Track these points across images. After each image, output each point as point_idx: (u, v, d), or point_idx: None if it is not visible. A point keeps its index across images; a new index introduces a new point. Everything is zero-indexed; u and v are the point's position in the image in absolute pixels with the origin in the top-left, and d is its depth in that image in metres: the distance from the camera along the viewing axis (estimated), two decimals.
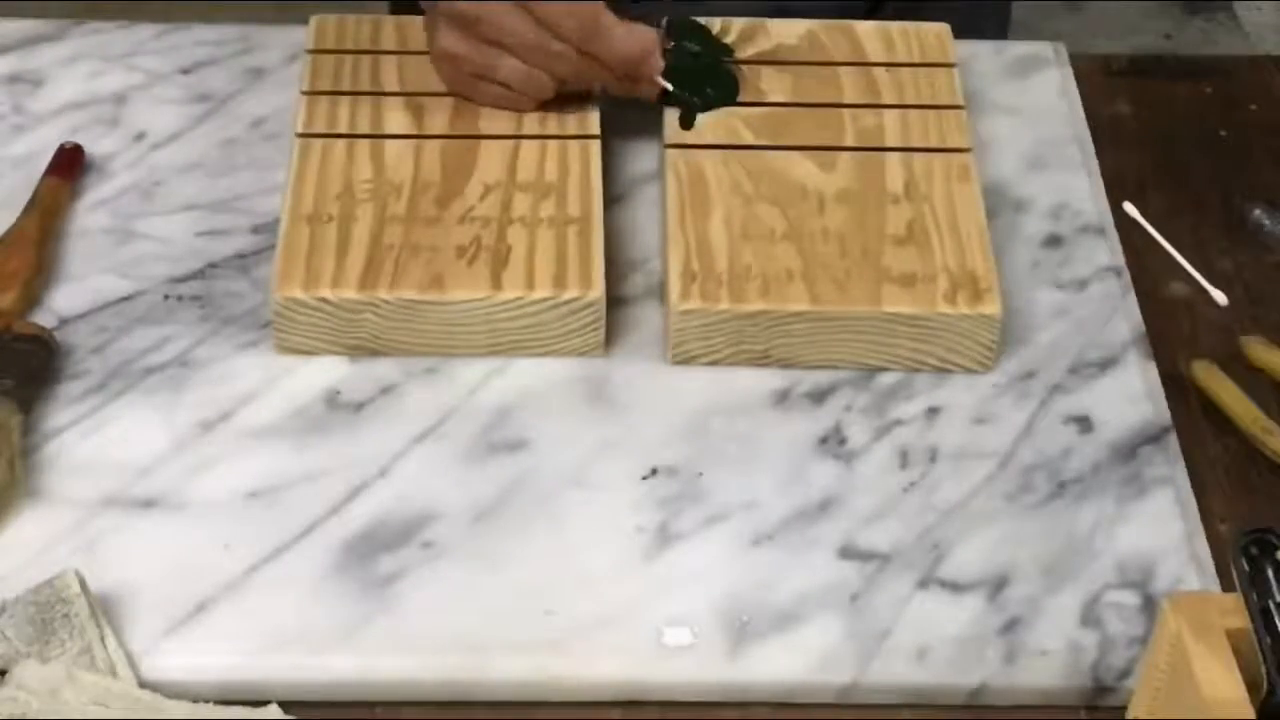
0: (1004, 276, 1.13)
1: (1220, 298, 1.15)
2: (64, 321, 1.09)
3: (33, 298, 1.09)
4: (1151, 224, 1.18)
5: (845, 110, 1.18)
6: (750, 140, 1.16)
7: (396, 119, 1.14)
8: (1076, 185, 1.20)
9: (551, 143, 1.14)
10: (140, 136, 1.20)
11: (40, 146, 1.18)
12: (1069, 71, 1.27)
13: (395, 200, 1.09)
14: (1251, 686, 0.80)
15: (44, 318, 1.08)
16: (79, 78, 1.24)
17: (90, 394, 1.05)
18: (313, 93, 1.16)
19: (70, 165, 1.16)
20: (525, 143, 1.13)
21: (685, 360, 1.07)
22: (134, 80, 1.24)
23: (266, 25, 1.29)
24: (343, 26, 1.20)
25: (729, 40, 1.21)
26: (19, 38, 1.27)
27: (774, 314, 1.06)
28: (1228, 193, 1.21)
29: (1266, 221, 1.19)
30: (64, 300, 1.10)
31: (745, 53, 1.21)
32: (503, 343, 1.06)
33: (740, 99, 1.18)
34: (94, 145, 1.19)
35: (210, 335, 1.08)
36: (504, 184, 1.11)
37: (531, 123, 1.15)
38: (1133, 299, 1.13)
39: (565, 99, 1.15)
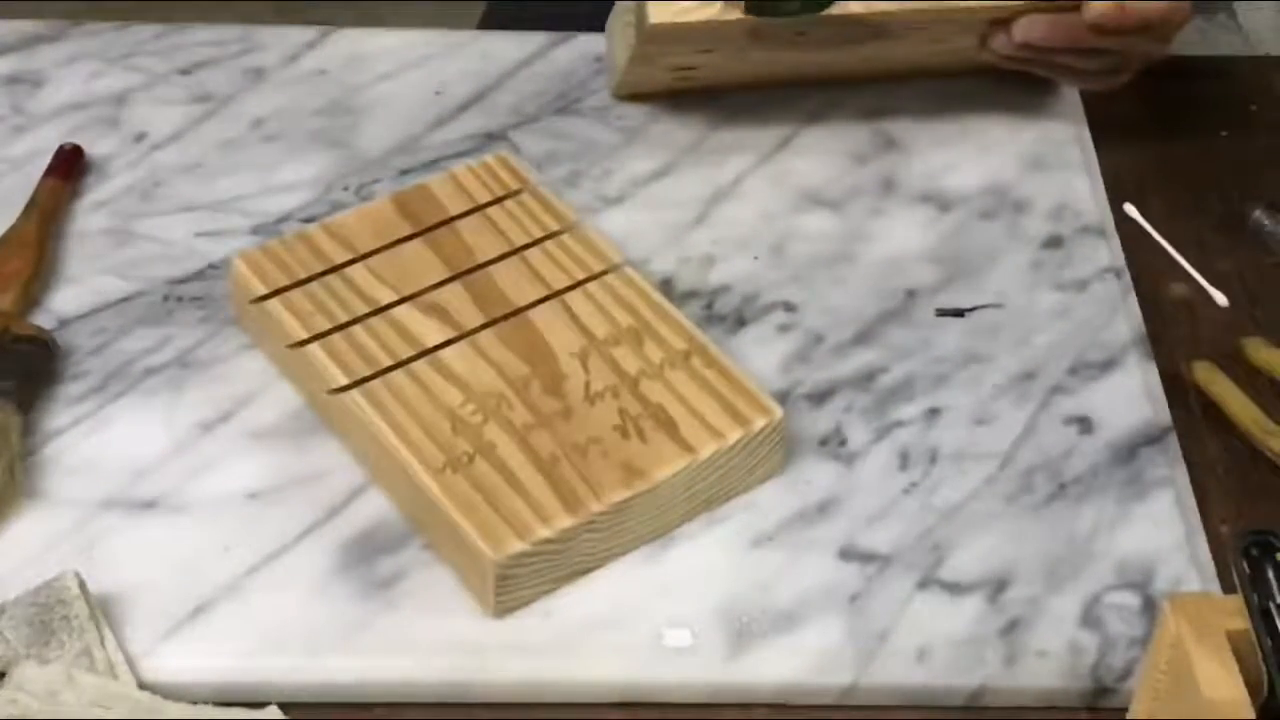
0: (1004, 277, 1.14)
1: (1220, 298, 1.15)
2: (64, 322, 1.08)
3: (32, 299, 1.09)
4: (1151, 224, 1.18)
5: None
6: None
7: (426, 327, 1.04)
8: (1076, 185, 1.20)
9: (592, 287, 1.06)
10: (140, 137, 1.20)
11: (40, 147, 1.18)
12: None
13: (509, 408, 1.00)
14: (1252, 687, 0.80)
15: (44, 318, 1.08)
16: (79, 78, 1.24)
17: (90, 395, 1.05)
18: (315, 337, 1.03)
19: (70, 166, 1.16)
20: (570, 298, 1.05)
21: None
22: (134, 80, 1.24)
23: (266, 25, 1.29)
24: (274, 256, 1.07)
25: None
26: (19, 38, 1.27)
27: None
28: (1228, 193, 1.21)
29: (1267, 222, 1.18)
30: (64, 301, 1.10)
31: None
32: (698, 503, 0.99)
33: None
34: (94, 146, 1.19)
35: (210, 335, 1.08)
36: (590, 347, 1.03)
37: (554, 274, 1.06)
38: (1133, 299, 1.13)
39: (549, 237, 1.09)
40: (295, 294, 1.05)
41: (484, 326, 1.04)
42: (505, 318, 1.05)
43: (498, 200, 1.11)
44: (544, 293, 1.06)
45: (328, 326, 1.03)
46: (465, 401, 1.00)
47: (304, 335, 1.03)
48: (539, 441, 0.98)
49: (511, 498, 0.95)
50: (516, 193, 1.11)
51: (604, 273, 1.07)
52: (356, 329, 1.03)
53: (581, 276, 1.07)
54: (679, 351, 1.03)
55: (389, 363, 1.02)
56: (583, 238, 1.09)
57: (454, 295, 1.06)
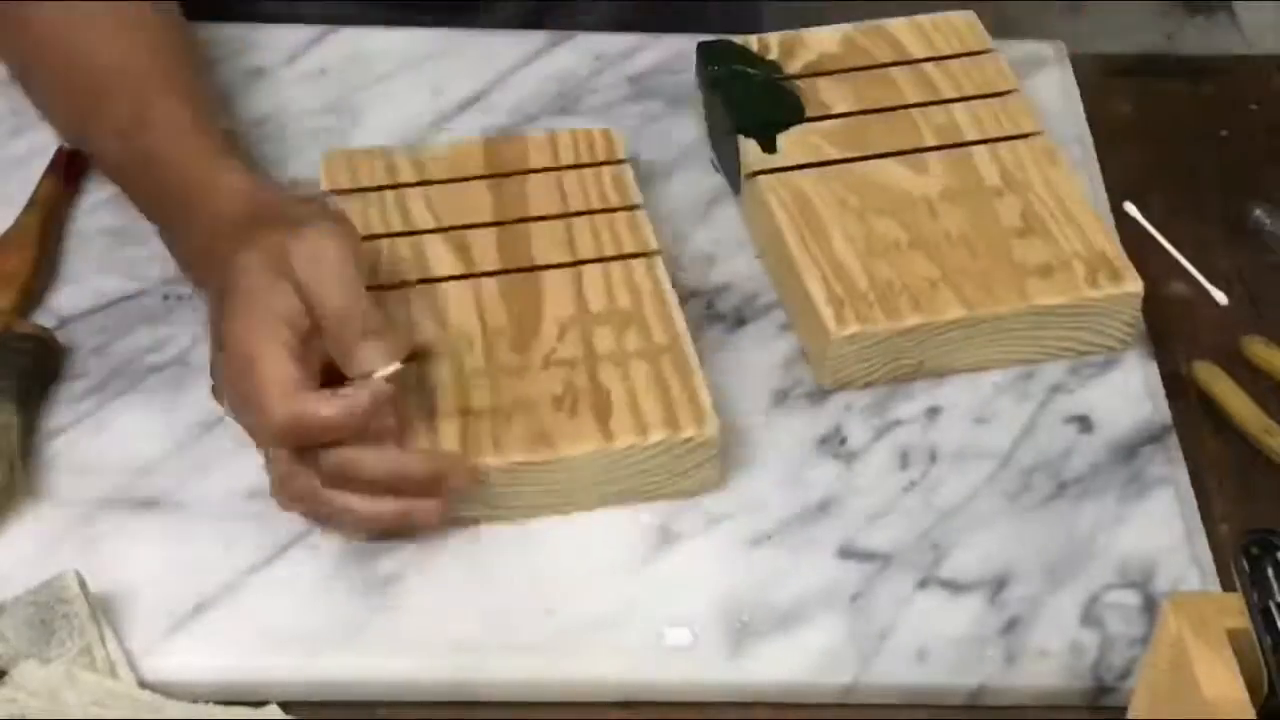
0: None
1: (1220, 298, 1.15)
2: (64, 321, 1.08)
3: (33, 298, 1.09)
4: (1151, 224, 1.18)
5: (914, 110, 1.17)
6: (834, 154, 1.14)
7: (441, 260, 1.07)
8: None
9: (614, 266, 1.07)
10: None
11: (40, 146, 1.18)
12: (1069, 71, 1.28)
13: (469, 352, 1.02)
14: (1252, 687, 0.80)
15: (44, 318, 1.08)
16: None
17: (90, 394, 1.05)
18: None
19: (70, 165, 1.16)
20: (587, 269, 1.07)
21: (843, 385, 1.06)
22: None
23: (266, 25, 1.29)
24: (354, 161, 1.12)
25: (771, 57, 1.20)
26: None
27: (930, 326, 1.04)
28: (1228, 193, 1.21)
29: (1267, 221, 1.18)
30: (64, 300, 1.10)
31: (792, 67, 1.20)
32: (613, 492, 1.00)
33: (807, 115, 1.17)
34: None
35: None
36: (578, 318, 1.04)
37: (586, 245, 1.08)
38: None
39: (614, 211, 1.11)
40: (353, 197, 1.09)
41: (493, 274, 1.06)
42: (517, 271, 1.07)
43: (578, 166, 1.13)
44: (567, 259, 1.07)
45: (360, 232, 1.04)
46: (434, 336, 1.03)
47: None
48: (476, 387, 1.00)
49: (423, 430, 0.98)
50: (600, 164, 1.13)
51: (632, 256, 1.08)
52: (382, 241, 1.07)
53: (610, 254, 1.08)
54: (656, 346, 1.03)
55: (390, 281, 1.05)
56: (633, 221, 1.10)
57: (484, 239, 1.08)
